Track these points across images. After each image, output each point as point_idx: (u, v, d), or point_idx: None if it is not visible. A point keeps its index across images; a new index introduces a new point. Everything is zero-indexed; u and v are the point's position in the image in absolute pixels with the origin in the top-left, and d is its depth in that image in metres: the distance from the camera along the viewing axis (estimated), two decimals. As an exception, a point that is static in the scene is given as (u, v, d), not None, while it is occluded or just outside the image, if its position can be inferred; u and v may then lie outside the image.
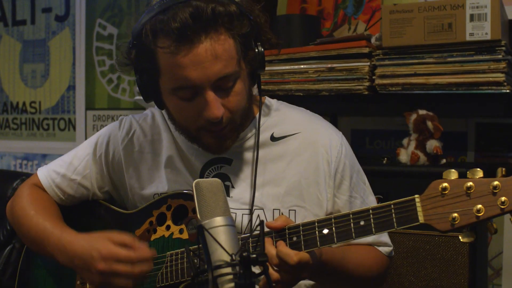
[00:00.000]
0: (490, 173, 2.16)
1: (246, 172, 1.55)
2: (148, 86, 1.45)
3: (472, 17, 1.97)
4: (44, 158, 3.39)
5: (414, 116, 2.06)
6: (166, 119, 1.60)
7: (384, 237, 1.58)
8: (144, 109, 2.96)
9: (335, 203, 1.54)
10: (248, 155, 1.55)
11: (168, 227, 1.52)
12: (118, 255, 1.37)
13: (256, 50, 1.44)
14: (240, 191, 1.53)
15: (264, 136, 1.56)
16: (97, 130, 3.20)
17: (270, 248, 1.28)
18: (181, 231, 1.50)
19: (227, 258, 1.16)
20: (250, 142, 1.56)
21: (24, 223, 1.59)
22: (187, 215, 1.50)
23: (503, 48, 1.95)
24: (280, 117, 1.59)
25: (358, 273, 1.50)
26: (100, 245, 1.39)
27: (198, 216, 1.21)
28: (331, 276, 1.43)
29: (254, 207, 1.50)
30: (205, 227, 1.19)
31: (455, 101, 2.25)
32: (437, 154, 1.98)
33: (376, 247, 1.57)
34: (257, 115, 1.55)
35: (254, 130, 1.55)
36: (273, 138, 1.56)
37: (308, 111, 1.65)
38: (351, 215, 1.27)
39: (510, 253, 2.31)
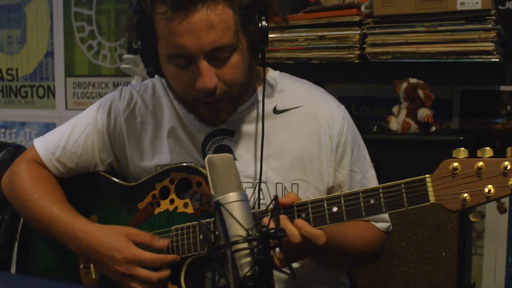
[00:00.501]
0: (474, 138, 2.21)
1: (249, 144, 1.54)
2: (148, 53, 1.44)
3: (463, -14, 1.99)
4: (23, 126, 3.33)
5: (405, 85, 2.09)
6: (167, 89, 1.59)
7: None
8: (127, 76, 2.92)
9: (336, 177, 1.55)
10: (250, 127, 1.55)
11: (172, 201, 1.51)
12: (143, 260, 1.39)
13: (260, 24, 1.42)
14: (243, 164, 1.52)
15: (267, 108, 1.55)
16: (78, 98, 3.16)
17: (286, 224, 1.29)
18: (185, 205, 1.50)
19: (243, 233, 1.17)
20: (253, 114, 1.55)
21: (27, 206, 1.57)
22: (191, 189, 1.50)
23: (493, 17, 1.98)
24: (283, 90, 1.59)
25: (356, 250, 1.51)
26: (122, 245, 1.41)
27: (212, 191, 1.22)
28: (329, 253, 1.44)
29: (256, 181, 1.51)
30: (220, 202, 1.20)
31: (441, 69, 2.27)
32: (428, 122, 2.02)
33: (374, 222, 1.58)
34: (260, 87, 1.55)
35: (256, 103, 1.55)
36: (276, 111, 1.56)
37: (311, 83, 1.65)
38: (361, 194, 1.28)
39: (491, 216, 2.39)
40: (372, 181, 1.59)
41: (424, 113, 2.02)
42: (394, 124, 2.11)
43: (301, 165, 1.53)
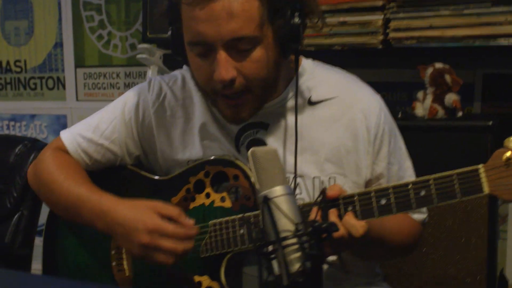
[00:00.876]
0: (497, 122, 2.18)
1: (283, 137, 1.50)
2: (175, 40, 1.41)
3: (489, -31, 1.96)
4: (33, 118, 3.29)
5: (430, 70, 2.06)
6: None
7: None
8: (140, 65, 2.88)
9: (374, 170, 1.52)
10: (285, 120, 1.51)
11: (208, 195, 1.48)
12: (165, 230, 1.34)
13: (291, 21, 1.36)
14: None
15: (300, 100, 1.51)
16: (89, 88, 3.12)
17: (332, 217, 1.27)
18: (222, 199, 1.46)
19: (291, 227, 1.14)
20: (287, 106, 1.51)
21: (54, 189, 1.54)
22: (227, 182, 1.47)
23: (521, -1, 1.95)
24: (317, 80, 1.54)
25: (392, 242, 1.49)
26: (146, 217, 1.36)
27: (257, 186, 1.18)
28: (367, 245, 1.40)
29: (292, 175, 1.46)
30: (268, 197, 1.17)
31: (461, 54, 2.25)
32: (455, 108, 1.99)
33: (411, 214, 1.56)
34: (294, 78, 1.51)
35: (291, 93, 1.51)
36: (311, 102, 1.51)
37: (345, 72, 1.60)
38: (411, 185, 1.25)
39: (515, 200, 2.36)
40: (408, 172, 1.56)
41: (451, 98, 1.99)
42: (420, 109, 2.08)
43: (338, 158, 1.49)
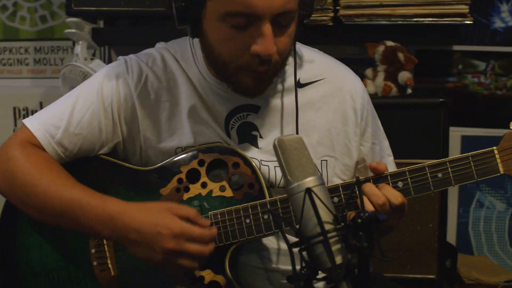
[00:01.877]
0: (427, 96, 2.26)
1: (275, 120, 1.46)
2: (188, 8, 1.29)
3: None
4: None
5: (382, 48, 2.08)
6: (193, 52, 1.45)
7: None
8: (51, 39, 2.68)
9: (360, 151, 1.53)
10: (276, 102, 1.46)
11: (204, 185, 1.40)
12: (192, 234, 1.26)
13: None
14: (270, 142, 1.42)
15: (289, 82, 1.47)
16: (-9, 65, 2.82)
17: (372, 187, 1.29)
18: (222, 188, 1.39)
19: (329, 218, 1.11)
20: (278, 87, 1.46)
21: (37, 193, 1.36)
22: (225, 171, 1.40)
23: (467, -21, 2.02)
24: (303, 61, 1.51)
25: None
26: (168, 221, 1.27)
27: (289, 176, 1.14)
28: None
29: None
30: (301, 188, 1.12)
31: (394, 31, 2.29)
32: (407, 85, 2.04)
33: None
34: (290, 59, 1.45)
35: (280, 75, 1.46)
36: (300, 85, 1.48)
37: (325, 53, 1.59)
38: (427, 168, 1.30)
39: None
40: (387, 151, 1.59)
41: (405, 76, 2.04)
42: (371, 87, 2.11)
43: (329, 140, 1.48)
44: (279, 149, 1.16)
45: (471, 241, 2.58)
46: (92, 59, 2.31)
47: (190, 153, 1.42)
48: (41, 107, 2.75)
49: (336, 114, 1.49)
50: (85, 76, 2.23)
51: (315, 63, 1.52)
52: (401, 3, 2.06)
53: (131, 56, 1.51)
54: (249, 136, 1.45)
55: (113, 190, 1.45)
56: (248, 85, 1.36)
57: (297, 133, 1.43)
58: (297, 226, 1.15)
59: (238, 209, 1.36)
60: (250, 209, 1.35)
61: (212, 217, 1.37)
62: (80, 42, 2.28)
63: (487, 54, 2.46)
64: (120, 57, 1.52)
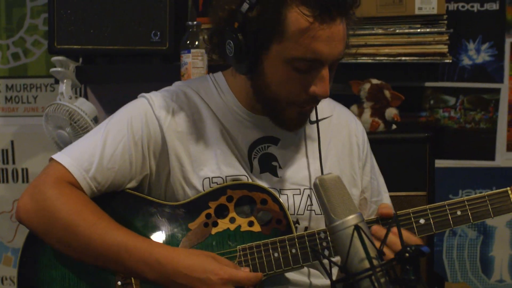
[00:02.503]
0: (412, 130, 2.36)
1: (294, 151, 1.55)
2: (251, 47, 1.37)
3: (421, -8, 2.13)
4: None
5: (368, 85, 2.17)
6: (215, 85, 1.54)
7: None
8: (24, 77, 2.64)
9: (362, 184, 1.62)
10: (294, 135, 1.56)
11: (232, 220, 1.44)
12: (240, 280, 1.31)
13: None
14: (289, 171, 1.53)
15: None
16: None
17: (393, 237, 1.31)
18: (250, 224, 1.43)
19: (373, 253, 1.16)
20: None
21: (78, 234, 1.36)
22: (253, 207, 1.44)
23: (446, 22, 2.15)
24: None
25: None
26: (216, 267, 1.32)
27: (332, 214, 1.19)
28: None
29: (303, 187, 1.53)
30: (343, 226, 1.17)
31: (376, 68, 2.40)
32: (394, 121, 2.13)
33: None
34: None
35: None
36: (311, 121, 1.58)
37: None
38: (447, 206, 1.41)
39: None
40: (383, 188, 1.69)
41: (392, 112, 2.13)
42: (358, 123, 2.18)
43: (339, 171, 1.56)
44: (321, 188, 1.21)
45: (446, 268, 2.69)
46: (76, 97, 2.28)
47: (219, 189, 1.46)
48: (12, 146, 2.68)
49: (344, 147, 1.60)
50: (71, 114, 2.20)
51: (322, 102, 1.59)
52: (385, 43, 2.17)
53: (154, 92, 1.56)
54: (270, 166, 1.52)
55: (140, 224, 1.47)
56: (294, 119, 1.47)
57: (321, 164, 1.51)
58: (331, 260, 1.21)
59: (267, 243, 1.40)
60: (278, 243, 1.40)
61: (241, 251, 1.41)
62: (65, 81, 2.25)
63: (456, 90, 2.60)
64: (143, 94, 1.56)
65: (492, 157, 2.64)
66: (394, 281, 1.14)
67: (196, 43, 2.13)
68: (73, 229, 1.37)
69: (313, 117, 1.57)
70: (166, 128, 1.47)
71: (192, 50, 2.11)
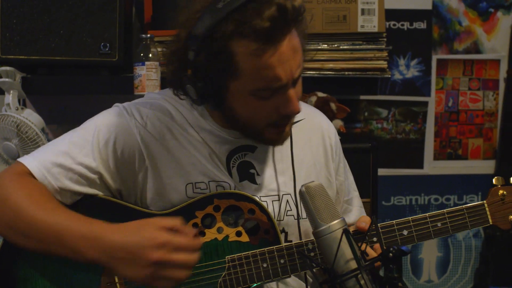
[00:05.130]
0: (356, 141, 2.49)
1: (270, 158, 1.56)
2: (211, 89, 1.38)
3: (363, 11, 2.27)
4: None
5: (314, 98, 2.28)
6: (206, 116, 1.52)
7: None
8: None
9: (336, 184, 1.66)
10: None
11: (220, 230, 1.45)
12: (177, 243, 1.28)
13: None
14: (266, 178, 1.54)
15: None
16: None
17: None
18: (238, 234, 1.44)
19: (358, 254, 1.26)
20: None
21: (23, 217, 1.35)
22: (241, 216, 1.46)
23: (385, 39, 2.31)
24: None
25: None
26: (151, 232, 1.28)
27: (318, 220, 1.27)
28: None
29: (282, 193, 1.54)
30: (330, 230, 1.26)
31: (321, 82, 2.51)
32: (341, 132, 2.25)
33: None
34: None
35: None
36: None
37: None
38: (428, 218, 1.48)
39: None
40: (353, 186, 1.74)
41: (338, 124, 2.25)
42: (305, 134, 2.29)
43: (315, 174, 1.60)
44: (307, 195, 1.29)
45: (379, 271, 2.84)
46: (22, 108, 2.24)
47: (205, 198, 1.46)
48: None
49: (318, 149, 1.62)
50: (18, 125, 2.16)
51: None
52: (330, 58, 2.29)
53: (127, 103, 1.56)
54: (248, 174, 1.53)
55: None
56: (275, 138, 1.48)
57: (293, 169, 1.53)
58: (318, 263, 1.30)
59: (255, 254, 1.42)
60: (267, 254, 1.42)
61: (230, 261, 1.42)
62: (11, 92, 2.20)
63: (388, 103, 2.78)
64: (117, 104, 1.56)
65: (421, 166, 2.83)
66: (380, 278, 1.25)
67: (150, 55, 2.15)
68: (18, 213, 1.36)
69: None
70: (142, 137, 1.48)
71: (146, 63, 2.13)
